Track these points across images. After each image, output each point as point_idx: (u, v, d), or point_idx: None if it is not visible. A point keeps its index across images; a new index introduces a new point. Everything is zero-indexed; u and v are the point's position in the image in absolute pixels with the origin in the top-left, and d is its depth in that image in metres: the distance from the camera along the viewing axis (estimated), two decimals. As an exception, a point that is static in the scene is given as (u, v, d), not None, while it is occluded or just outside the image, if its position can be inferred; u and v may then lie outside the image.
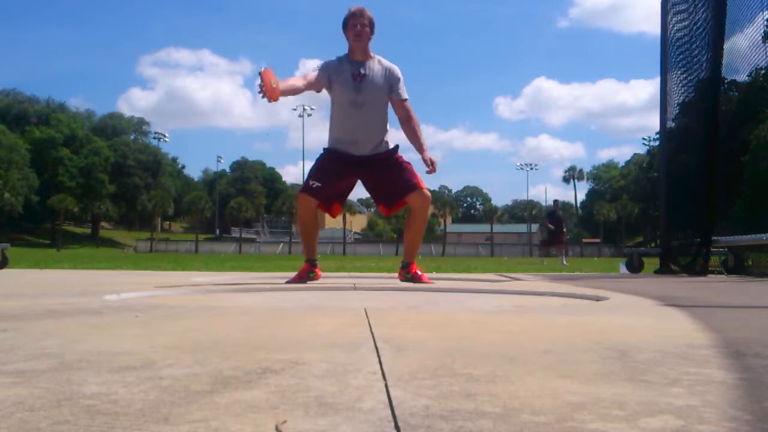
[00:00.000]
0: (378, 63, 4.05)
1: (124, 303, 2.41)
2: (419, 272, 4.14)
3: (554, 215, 16.12)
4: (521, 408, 0.80)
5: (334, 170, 4.04)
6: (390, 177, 4.06)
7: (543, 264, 12.93)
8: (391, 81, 4.04)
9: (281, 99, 3.66)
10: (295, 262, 8.96)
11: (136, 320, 1.80)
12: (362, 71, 3.98)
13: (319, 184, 3.97)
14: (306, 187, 4.00)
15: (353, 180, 4.14)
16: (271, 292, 3.57)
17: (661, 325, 1.82)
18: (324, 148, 4.16)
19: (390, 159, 4.07)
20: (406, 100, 4.09)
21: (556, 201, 17.71)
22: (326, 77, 4.01)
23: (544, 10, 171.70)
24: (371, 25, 4.02)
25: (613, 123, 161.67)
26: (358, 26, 3.97)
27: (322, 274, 4.39)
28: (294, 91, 3.97)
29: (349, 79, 3.97)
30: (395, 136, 4.17)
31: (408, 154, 4.16)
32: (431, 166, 4.03)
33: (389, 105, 4.09)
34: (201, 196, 68.28)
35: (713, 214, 5.94)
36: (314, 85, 4.01)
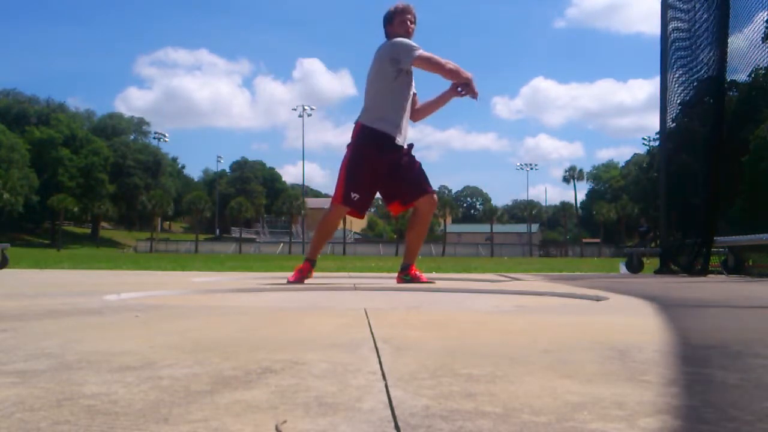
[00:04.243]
0: None
1: (124, 303, 2.41)
2: (418, 273, 4.14)
3: None
4: (521, 408, 0.80)
5: (371, 176, 4.02)
6: (407, 178, 4.08)
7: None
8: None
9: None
10: (295, 262, 8.95)
11: (136, 320, 1.80)
12: None
13: (358, 195, 3.96)
14: (346, 199, 3.97)
15: (380, 180, 4.11)
16: (271, 292, 3.57)
17: (660, 325, 1.82)
18: (365, 135, 4.01)
19: (409, 156, 4.11)
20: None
21: None
22: None
23: (541, 10, 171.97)
24: (415, 20, 4.11)
25: (611, 123, 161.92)
26: (407, 22, 4.04)
27: (323, 274, 4.40)
28: None
29: (411, 72, 4.08)
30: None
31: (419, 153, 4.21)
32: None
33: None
34: (201, 196, 68.29)
35: (715, 214, 5.94)
36: None
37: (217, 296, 3.21)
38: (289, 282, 4.01)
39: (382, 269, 7.79)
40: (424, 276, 4.22)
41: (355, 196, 3.95)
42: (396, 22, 4.03)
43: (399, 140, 4.01)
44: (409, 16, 4.05)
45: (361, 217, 4.15)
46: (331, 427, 0.71)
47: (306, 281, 4.06)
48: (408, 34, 4.04)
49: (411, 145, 4.13)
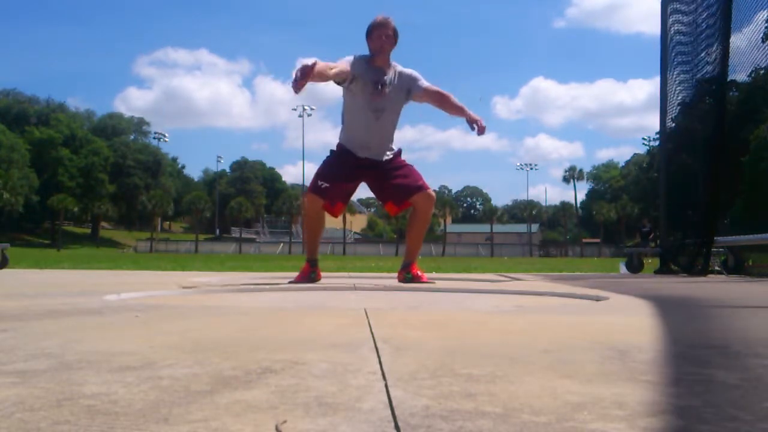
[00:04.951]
0: (398, 70, 4.08)
1: (123, 303, 2.41)
2: (419, 273, 4.14)
3: None
4: (521, 408, 0.80)
5: (341, 171, 4.08)
6: (396, 179, 4.10)
7: None
8: (410, 85, 4.09)
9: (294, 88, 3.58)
10: (295, 262, 8.97)
11: (136, 320, 1.80)
12: (385, 79, 4.01)
13: (327, 185, 4.00)
14: (314, 187, 4.03)
15: (359, 182, 4.17)
16: (271, 292, 3.57)
17: (660, 325, 1.82)
18: (333, 148, 4.19)
19: (395, 162, 4.12)
20: (427, 87, 4.12)
21: None
22: (353, 72, 4.04)
23: (541, 10, 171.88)
24: (395, 35, 4.06)
25: (611, 123, 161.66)
26: (383, 37, 4.02)
27: (323, 274, 4.40)
28: (321, 78, 3.97)
29: (371, 85, 4.00)
30: (396, 137, 4.20)
31: (408, 155, 4.18)
32: (478, 123, 4.00)
33: (404, 105, 4.15)
34: (201, 196, 68.32)
35: (715, 214, 5.94)
36: (342, 75, 3.97)
37: (217, 296, 3.21)
38: (291, 283, 4.03)
39: (382, 269, 7.79)
40: (425, 276, 4.22)
41: (322, 184, 4.00)
42: (373, 36, 4.04)
43: (367, 155, 4.06)
44: (386, 31, 4.02)
45: (332, 211, 4.13)
46: (331, 427, 0.71)
47: (313, 282, 4.07)
48: (380, 50, 4.01)
49: (399, 150, 4.15)
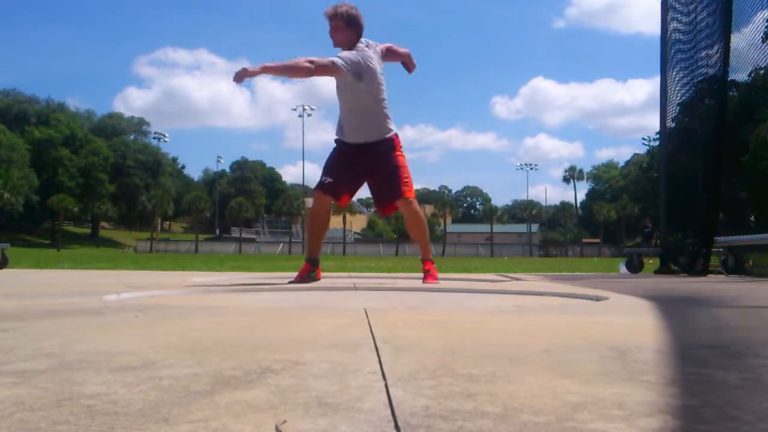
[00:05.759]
0: (365, 48, 4.08)
1: (123, 303, 2.41)
2: (432, 270, 4.19)
3: None
4: (521, 408, 0.80)
5: (339, 161, 4.17)
6: (381, 179, 4.14)
7: None
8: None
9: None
10: (295, 262, 8.96)
11: (136, 320, 1.80)
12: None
13: (331, 180, 4.07)
14: (320, 184, 4.10)
15: (360, 175, 4.19)
16: (271, 292, 3.56)
17: (660, 324, 1.82)
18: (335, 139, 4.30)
19: (385, 158, 4.09)
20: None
21: None
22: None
23: (541, 10, 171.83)
24: (347, 20, 4.05)
25: (610, 123, 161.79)
26: (331, 30, 4.08)
27: (323, 274, 4.40)
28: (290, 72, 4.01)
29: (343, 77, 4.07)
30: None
31: (408, 155, 4.19)
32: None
33: (381, 91, 4.08)
34: (201, 196, 68.38)
35: (716, 215, 5.94)
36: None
37: (217, 296, 3.21)
38: (290, 283, 4.03)
39: (382, 269, 7.79)
40: (432, 277, 4.17)
41: (326, 179, 4.08)
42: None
43: (348, 139, 4.11)
44: (331, 23, 4.06)
45: (338, 200, 4.19)
46: (331, 427, 0.71)
47: (313, 282, 4.08)
48: (335, 42, 4.07)
49: (392, 141, 4.11)
